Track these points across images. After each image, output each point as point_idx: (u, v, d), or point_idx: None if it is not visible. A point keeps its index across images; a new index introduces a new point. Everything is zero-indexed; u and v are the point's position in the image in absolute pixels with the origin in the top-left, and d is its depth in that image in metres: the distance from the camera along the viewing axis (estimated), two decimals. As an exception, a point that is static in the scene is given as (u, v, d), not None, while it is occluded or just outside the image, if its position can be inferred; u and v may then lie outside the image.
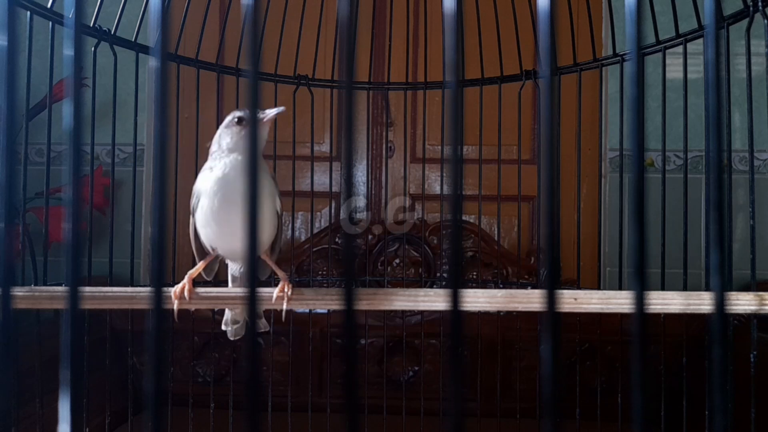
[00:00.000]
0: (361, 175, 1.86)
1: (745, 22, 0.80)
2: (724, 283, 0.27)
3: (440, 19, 0.29)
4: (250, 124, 0.25)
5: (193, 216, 0.73)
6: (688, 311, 0.66)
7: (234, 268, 0.81)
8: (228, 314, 0.82)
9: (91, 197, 0.98)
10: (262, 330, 0.83)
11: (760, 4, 0.77)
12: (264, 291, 0.70)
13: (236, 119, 0.73)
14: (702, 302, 0.65)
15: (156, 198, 0.25)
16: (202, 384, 1.55)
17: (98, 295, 0.68)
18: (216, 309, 1.20)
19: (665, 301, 0.65)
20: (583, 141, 1.09)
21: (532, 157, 1.87)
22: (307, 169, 1.67)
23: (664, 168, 0.94)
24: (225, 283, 0.87)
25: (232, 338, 0.83)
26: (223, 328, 0.83)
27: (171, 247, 1.16)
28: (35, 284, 0.81)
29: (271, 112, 0.73)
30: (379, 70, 1.61)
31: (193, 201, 0.73)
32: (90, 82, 0.92)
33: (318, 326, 1.49)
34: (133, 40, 0.99)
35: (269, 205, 0.74)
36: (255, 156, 0.25)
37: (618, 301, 0.67)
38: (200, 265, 0.76)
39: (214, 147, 0.75)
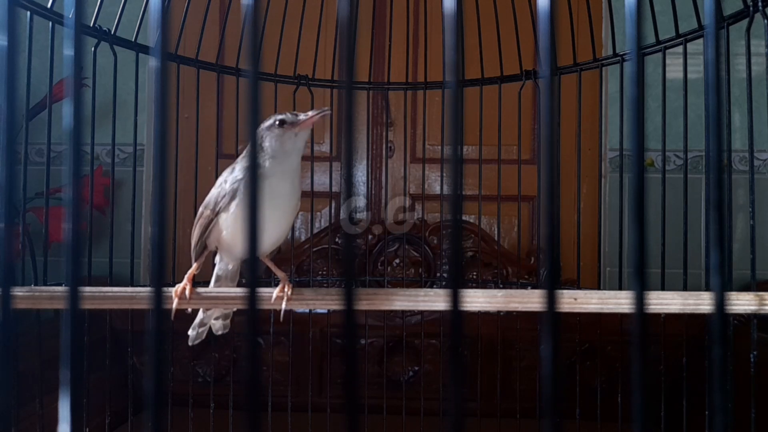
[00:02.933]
0: (361, 175, 1.86)
1: (745, 22, 0.80)
2: (724, 283, 0.27)
3: (440, 19, 0.29)
4: (250, 127, 0.25)
5: (219, 214, 0.72)
6: (688, 311, 0.65)
7: (222, 268, 0.80)
8: (200, 317, 0.81)
9: (91, 197, 0.98)
10: (220, 332, 0.84)
11: (760, 4, 0.77)
12: (264, 291, 0.70)
13: (278, 122, 0.72)
14: (702, 302, 0.65)
15: (156, 198, 0.25)
16: (202, 384, 1.56)
17: (98, 295, 0.68)
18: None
19: (665, 301, 0.65)
20: (583, 141, 1.09)
21: (532, 157, 1.87)
22: (307, 169, 1.66)
23: (664, 168, 0.94)
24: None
25: (192, 343, 0.82)
26: (189, 333, 0.82)
27: (171, 247, 1.16)
28: (35, 284, 0.81)
29: (312, 114, 0.72)
30: (379, 70, 1.61)
31: (224, 199, 0.72)
32: (90, 82, 0.92)
33: (318, 326, 1.49)
34: (133, 40, 0.99)
35: (296, 207, 0.74)
36: (255, 158, 0.25)
37: (618, 301, 0.67)
38: (197, 265, 0.76)
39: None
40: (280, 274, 0.72)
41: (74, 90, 0.27)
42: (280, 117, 0.72)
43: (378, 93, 1.78)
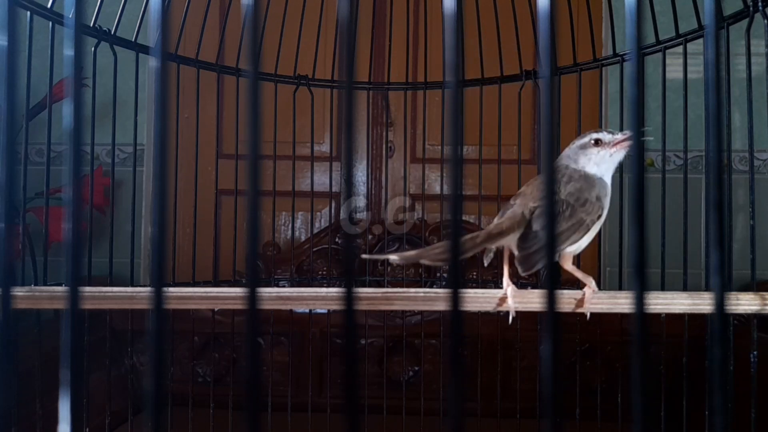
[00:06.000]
0: (361, 175, 1.86)
1: (745, 22, 0.80)
2: (724, 283, 0.27)
3: (440, 19, 0.29)
4: (250, 127, 0.25)
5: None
6: (691, 311, 0.65)
7: None
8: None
9: (91, 197, 0.98)
10: None
11: (760, 4, 0.76)
12: (264, 291, 0.70)
13: (593, 141, 0.71)
14: (702, 302, 0.65)
15: (156, 198, 0.25)
16: (202, 384, 1.55)
17: (98, 295, 0.68)
18: (216, 309, 1.20)
19: (667, 301, 0.65)
20: (583, 141, 1.08)
21: (532, 157, 1.87)
22: (307, 169, 1.67)
23: (664, 168, 0.94)
24: (225, 284, 0.87)
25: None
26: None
27: (171, 247, 1.16)
28: (35, 284, 0.81)
29: (626, 135, 0.70)
30: (379, 70, 1.61)
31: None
32: (90, 82, 0.92)
33: (318, 326, 1.49)
34: (133, 40, 0.99)
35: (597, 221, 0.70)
36: (257, 165, 0.25)
37: (618, 301, 0.66)
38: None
39: (565, 161, 0.72)
40: (583, 277, 0.69)
41: (74, 90, 0.27)
42: (596, 136, 0.71)
43: (378, 93, 1.78)
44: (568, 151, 0.73)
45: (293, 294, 0.70)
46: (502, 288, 0.66)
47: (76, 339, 0.26)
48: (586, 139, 0.72)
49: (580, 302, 0.65)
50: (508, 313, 0.66)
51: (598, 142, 0.71)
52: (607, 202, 0.70)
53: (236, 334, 1.30)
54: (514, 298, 0.65)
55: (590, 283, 0.67)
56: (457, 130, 0.25)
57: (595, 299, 0.67)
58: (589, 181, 0.70)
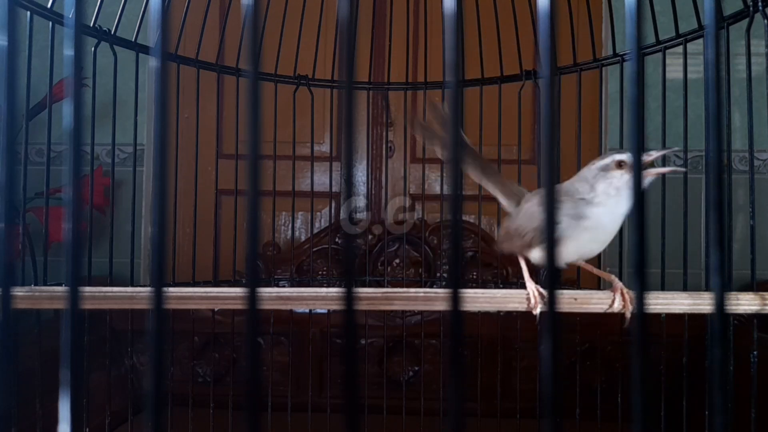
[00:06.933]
0: (361, 175, 1.86)
1: (745, 22, 0.80)
2: (724, 283, 0.27)
3: (440, 19, 0.29)
4: (250, 127, 0.25)
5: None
6: (691, 311, 0.65)
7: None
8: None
9: (91, 197, 0.98)
10: None
11: (760, 4, 0.77)
12: (264, 291, 0.70)
13: (616, 163, 0.65)
14: (702, 302, 0.65)
15: (156, 198, 0.25)
16: (202, 384, 1.55)
17: (98, 295, 0.68)
18: (216, 309, 1.20)
19: (667, 301, 0.65)
20: (583, 141, 1.09)
21: (532, 157, 1.87)
22: (307, 169, 1.67)
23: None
24: (225, 284, 0.86)
25: None
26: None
27: (171, 247, 1.16)
28: (35, 284, 0.81)
29: (656, 156, 0.64)
30: (379, 70, 1.61)
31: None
32: (90, 82, 0.92)
33: (318, 326, 1.49)
34: (133, 40, 0.99)
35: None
36: (257, 165, 0.25)
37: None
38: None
39: (581, 185, 0.67)
40: (607, 276, 0.69)
41: (74, 90, 0.27)
42: (619, 157, 0.65)
43: (378, 93, 1.78)
44: (586, 172, 0.67)
45: (293, 294, 0.71)
46: (501, 288, 0.66)
47: (76, 339, 0.26)
48: (607, 160, 0.66)
49: (624, 303, 0.65)
50: (508, 312, 0.66)
51: (621, 165, 0.65)
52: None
53: (236, 334, 1.30)
54: (538, 299, 0.66)
55: (615, 280, 0.67)
56: (457, 130, 0.25)
57: (595, 299, 0.67)
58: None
